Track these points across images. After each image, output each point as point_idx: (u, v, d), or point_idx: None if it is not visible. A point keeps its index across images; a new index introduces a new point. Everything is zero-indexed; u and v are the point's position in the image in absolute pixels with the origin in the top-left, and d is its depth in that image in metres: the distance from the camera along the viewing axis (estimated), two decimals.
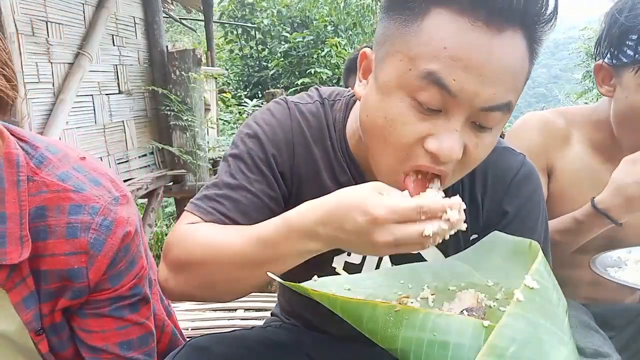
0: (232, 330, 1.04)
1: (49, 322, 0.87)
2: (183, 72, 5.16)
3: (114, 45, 4.71)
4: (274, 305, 1.42)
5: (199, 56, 5.28)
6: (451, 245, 0.93)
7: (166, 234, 6.18)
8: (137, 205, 4.97)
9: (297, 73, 10.25)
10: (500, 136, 0.99)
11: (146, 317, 0.94)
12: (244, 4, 11.05)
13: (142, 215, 4.92)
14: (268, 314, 1.47)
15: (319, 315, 0.97)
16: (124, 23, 4.89)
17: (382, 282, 0.71)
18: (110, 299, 0.87)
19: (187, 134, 5.24)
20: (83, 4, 4.29)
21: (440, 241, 0.67)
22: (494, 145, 0.80)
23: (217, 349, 0.89)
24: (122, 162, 4.75)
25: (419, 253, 0.93)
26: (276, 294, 1.28)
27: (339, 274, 0.83)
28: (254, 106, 8.41)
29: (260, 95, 10.29)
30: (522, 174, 0.93)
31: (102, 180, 0.87)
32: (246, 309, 2.13)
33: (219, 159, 5.86)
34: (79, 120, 4.18)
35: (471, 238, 0.95)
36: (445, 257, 0.93)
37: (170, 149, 5.22)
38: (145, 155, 5.16)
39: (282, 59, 10.48)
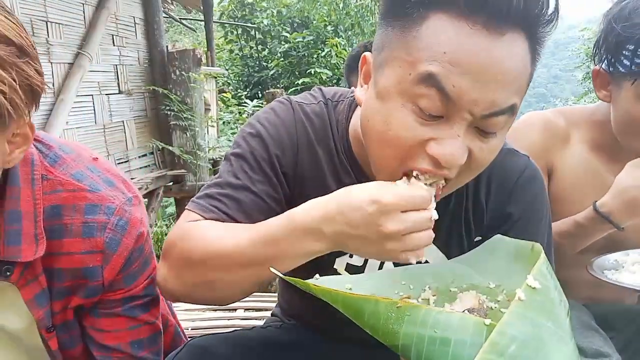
0: (232, 331, 1.03)
1: (60, 319, 0.88)
2: (183, 72, 5.16)
3: (114, 45, 4.71)
4: (274, 305, 1.42)
5: (199, 56, 5.28)
6: (454, 247, 0.93)
7: (166, 234, 6.18)
8: None
9: (297, 73, 10.25)
10: None
11: (156, 317, 0.95)
12: (244, 4, 11.05)
13: None
14: (268, 314, 1.47)
15: (319, 315, 0.97)
16: (124, 23, 4.89)
17: (384, 283, 0.71)
18: (124, 299, 0.89)
19: (187, 134, 5.25)
20: (83, 4, 4.29)
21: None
22: (500, 148, 0.78)
23: (217, 349, 0.89)
24: (122, 162, 4.74)
25: None
26: (276, 294, 1.28)
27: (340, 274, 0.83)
28: (254, 106, 8.41)
29: (260, 95, 10.28)
30: (526, 176, 0.93)
31: (115, 181, 0.88)
32: (246, 309, 2.13)
33: (219, 159, 5.87)
34: (79, 120, 4.18)
35: (475, 240, 0.94)
36: (448, 259, 0.93)
37: (170, 148, 5.22)
38: (145, 155, 5.16)
39: (282, 59, 10.47)
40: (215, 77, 6.84)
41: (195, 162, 5.27)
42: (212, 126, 6.51)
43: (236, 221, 0.84)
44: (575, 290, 1.27)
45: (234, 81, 11.39)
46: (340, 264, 0.93)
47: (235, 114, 8.27)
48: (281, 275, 0.73)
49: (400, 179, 0.75)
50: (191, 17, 10.65)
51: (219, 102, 7.82)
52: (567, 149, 1.27)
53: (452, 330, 0.62)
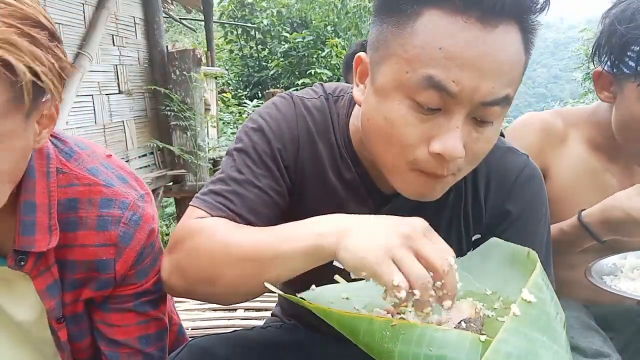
0: (233, 331, 1.03)
1: (70, 311, 0.89)
2: (183, 72, 5.16)
3: (114, 45, 4.71)
4: (274, 305, 1.42)
5: (199, 56, 5.28)
6: (453, 245, 0.93)
7: (167, 234, 6.18)
8: None
9: (297, 73, 10.25)
10: (501, 135, 1.00)
11: (163, 313, 0.97)
12: (243, 4, 11.05)
13: None
14: (268, 314, 1.47)
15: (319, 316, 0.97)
16: (124, 23, 4.89)
17: (380, 291, 0.71)
18: (135, 294, 0.90)
19: (188, 134, 5.24)
20: (83, 4, 4.29)
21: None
22: (496, 138, 0.80)
23: (217, 349, 0.89)
24: None
25: None
26: (276, 294, 1.28)
27: (340, 273, 0.82)
28: (254, 106, 8.41)
29: (260, 96, 10.29)
30: (525, 175, 0.93)
31: (129, 178, 0.91)
32: (246, 309, 2.13)
33: (219, 158, 5.86)
34: (79, 120, 4.18)
35: (473, 238, 0.95)
36: None
37: (170, 148, 5.22)
38: (145, 155, 5.16)
39: (282, 59, 10.47)
40: (216, 77, 6.84)
41: (195, 162, 5.27)
42: (213, 126, 6.51)
43: (242, 217, 0.84)
44: (575, 291, 1.27)
45: (234, 81, 11.40)
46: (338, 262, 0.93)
47: (235, 114, 8.28)
48: (278, 290, 0.72)
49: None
50: (191, 17, 10.65)
51: (219, 102, 7.82)
52: (564, 150, 1.27)
53: (447, 349, 0.61)
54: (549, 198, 1.02)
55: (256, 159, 0.88)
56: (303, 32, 10.37)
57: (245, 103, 8.95)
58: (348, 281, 0.74)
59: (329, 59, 10.04)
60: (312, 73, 9.78)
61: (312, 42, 10.29)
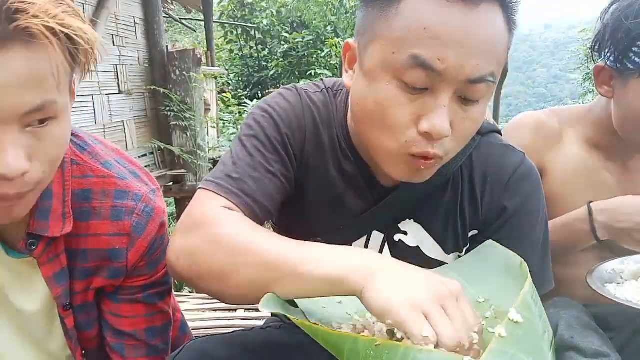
0: (232, 331, 1.03)
1: (81, 299, 0.91)
2: (183, 72, 5.16)
3: (114, 45, 4.71)
4: None
5: (199, 56, 5.28)
6: (450, 240, 0.95)
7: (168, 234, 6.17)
8: None
9: (297, 73, 10.26)
10: (498, 134, 1.00)
11: (169, 306, 0.99)
12: (243, 4, 11.05)
13: None
14: (268, 314, 1.47)
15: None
16: (124, 23, 4.89)
17: None
18: (145, 285, 0.93)
19: (188, 134, 5.25)
20: (83, 4, 4.28)
21: None
22: (482, 118, 0.81)
23: (217, 351, 0.89)
24: None
25: (418, 247, 0.94)
26: None
27: None
28: (254, 106, 8.41)
29: (260, 96, 10.29)
30: (521, 172, 0.94)
31: (140, 173, 0.94)
32: (246, 309, 2.14)
33: (219, 159, 5.83)
34: (79, 120, 4.17)
35: (470, 234, 0.96)
36: (444, 250, 0.94)
37: (170, 148, 5.22)
38: (145, 155, 5.16)
39: (282, 59, 10.48)
40: (215, 77, 6.84)
41: (195, 162, 5.27)
42: (213, 126, 6.51)
43: (258, 202, 0.83)
44: (575, 290, 1.27)
45: (234, 81, 11.40)
46: None
47: (235, 114, 8.28)
48: (267, 311, 0.69)
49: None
50: (191, 17, 10.65)
51: (219, 102, 7.82)
52: (561, 148, 1.27)
53: None
54: (546, 197, 1.02)
55: (267, 144, 0.88)
56: (303, 32, 10.37)
57: (245, 103, 8.95)
58: None
59: (328, 59, 10.04)
60: (313, 74, 9.78)
61: (311, 42, 10.30)
